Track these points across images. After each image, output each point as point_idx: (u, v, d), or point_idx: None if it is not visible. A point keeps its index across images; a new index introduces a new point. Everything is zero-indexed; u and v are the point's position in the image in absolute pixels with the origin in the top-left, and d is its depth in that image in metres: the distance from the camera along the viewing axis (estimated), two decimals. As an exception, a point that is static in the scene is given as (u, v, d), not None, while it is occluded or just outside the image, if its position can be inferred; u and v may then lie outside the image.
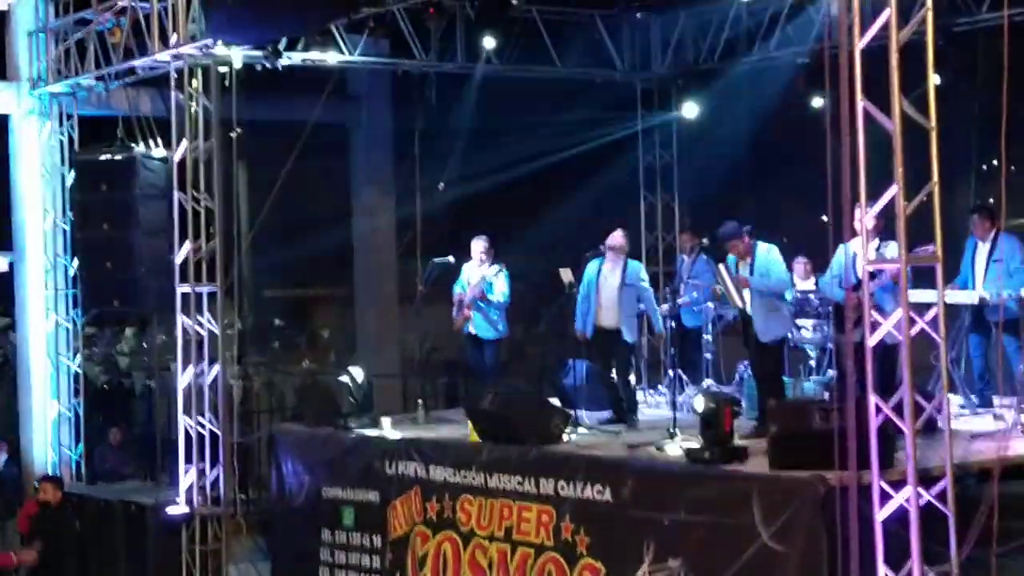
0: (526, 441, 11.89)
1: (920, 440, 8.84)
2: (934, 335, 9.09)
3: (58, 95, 17.49)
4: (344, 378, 15.11)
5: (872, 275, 9.34)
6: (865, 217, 9.25)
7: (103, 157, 16.63)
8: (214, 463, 14.86)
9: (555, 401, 12.62)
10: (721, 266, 12.49)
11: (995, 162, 9.82)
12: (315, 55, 15.76)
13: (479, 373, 14.12)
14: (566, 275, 13.69)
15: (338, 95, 18.39)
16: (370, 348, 19.91)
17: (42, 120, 17.74)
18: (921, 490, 8.67)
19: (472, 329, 13.97)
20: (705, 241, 14.16)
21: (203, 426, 14.86)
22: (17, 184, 18.07)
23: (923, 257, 9.12)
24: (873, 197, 8.93)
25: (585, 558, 10.92)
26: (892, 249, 9.35)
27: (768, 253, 12.23)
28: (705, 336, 14.67)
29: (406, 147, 18.77)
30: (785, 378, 12.65)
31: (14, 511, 14.89)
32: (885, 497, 8.74)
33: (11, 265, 18.26)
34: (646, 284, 13.75)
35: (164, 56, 14.84)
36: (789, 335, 12.68)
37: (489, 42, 15.23)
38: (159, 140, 15.99)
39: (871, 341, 8.94)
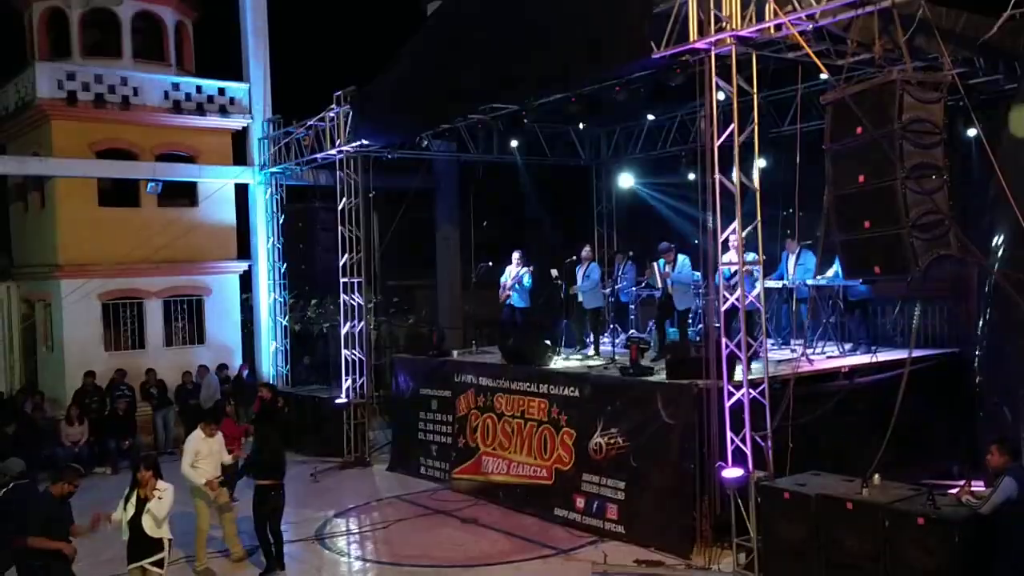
0: (532, 363, 11.88)
1: (751, 363, 8.81)
2: (758, 304, 9.04)
3: (275, 173, 17.47)
4: (431, 329, 15.16)
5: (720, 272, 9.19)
6: (719, 240, 9.14)
7: (300, 207, 16.65)
8: (361, 375, 14.91)
9: (548, 341, 12.55)
10: (655, 264, 12.40)
11: (791, 210, 9.64)
12: (413, 152, 15.70)
13: (509, 326, 13.97)
14: (554, 272, 13.59)
15: (427, 172, 18.35)
16: (444, 314, 19.88)
17: (265, 188, 17.74)
18: (750, 390, 8.63)
19: (511, 302, 13.81)
20: (631, 253, 14.08)
21: (355, 355, 14.90)
22: (254, 223, 18.06)
23: (750, 262, 9.05)
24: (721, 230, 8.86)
25: (565, 428, 10.92)
26: (730, 256, 9.23)
27: (684, 260, 12.12)
28: (631, 307, 14.52)
29: (465, 201, 18.75)
30: (671, 328, 12.48)
31: (252, 402, 14.93)
32: (730, 395, 8.69)
33: (250, 267, 18.30)
34: (599, 277, 13.69)
35: (332, 151, 14.87)
36: (693, 305, 12.57)
37: (513, 143, 15.04)
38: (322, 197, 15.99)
39: (723, 308, 8.90)
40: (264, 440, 9.58)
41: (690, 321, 12.45)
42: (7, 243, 18.94)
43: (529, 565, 9.45)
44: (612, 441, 10.06)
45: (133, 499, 7.48)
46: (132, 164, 17.07)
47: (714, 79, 8.57)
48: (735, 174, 8.47)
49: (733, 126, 8.44)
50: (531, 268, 13.66)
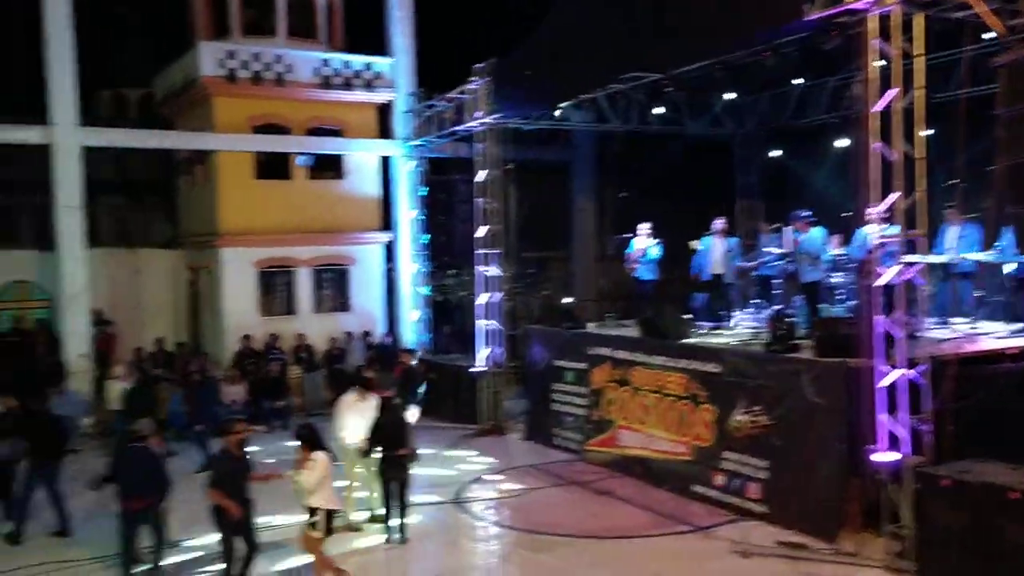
0: (669, 337, 11.62)
1: (907, 341, 8.27)
2: (918, 280, 8.45)
3: (417, 147, 17.78)
4: (565, 301, 15.10)
5: (880, 246, 8.65)
6: (873, 212, 8.59)
7: (442, 179, 16.90)
8: (497, 345, 15.04)
9: (687, 315, 12.23)
10: (786, 230, 11.90)
11: (950, 181, 8.94)
12: (552, 122, 15.58)
13: (642, 299, 13.78)
14: (694, 244, 13.23)
15: (566, 142, 18.18)
16: (579, 286, 19.79)
17: (408, 160, 18.10)
18: (907, 371, 8.11)
19: (638, 274, 13.66)
20: (777, 225, 13.47)
21: (492, 325, 15.03)
22: (396, 195, 18.48)
23: (912, 234, 8.45)
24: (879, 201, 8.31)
25: (704, 404, 10.63)
26: (893, 230, 8.67)
27: (814, 231, 11.56)
28: (775, 280, 13.93)
29: (602, 173, 18.49)
30: (823, 305, 11.90)
31: (394, 368, 15.34)
32: (884, 375, 8.19)
33: (393, 238, 18.76)
34: (737, 249, 13.23)
35: (472, 123, 14.96)
36: (820, 279, 11.97)
37: (654, 111, 14.63)
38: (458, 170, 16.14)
39: (877, 284, 8.37)
40: (385, 409, 9.64)
41: (842, 296, 11.83)
42: (174, 214, 20.18)
43: (665, 541, 9.30)
44: (754, 419, 9.72)
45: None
46: (286, 138, 17.80)
47: (874, 41, 8.01)
48: (895, 142, 7.91)
49: (894, 91, 7.88)
50: (660, 240, 13.37)
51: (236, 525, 7.69)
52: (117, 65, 20.71)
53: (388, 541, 9.40)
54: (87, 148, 15.88)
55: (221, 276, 17.62)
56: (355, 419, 9.74)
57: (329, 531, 7.90)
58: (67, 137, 15.50)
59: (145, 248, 19.34)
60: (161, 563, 8.33)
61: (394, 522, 9.44)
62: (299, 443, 7.89)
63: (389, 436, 9.36)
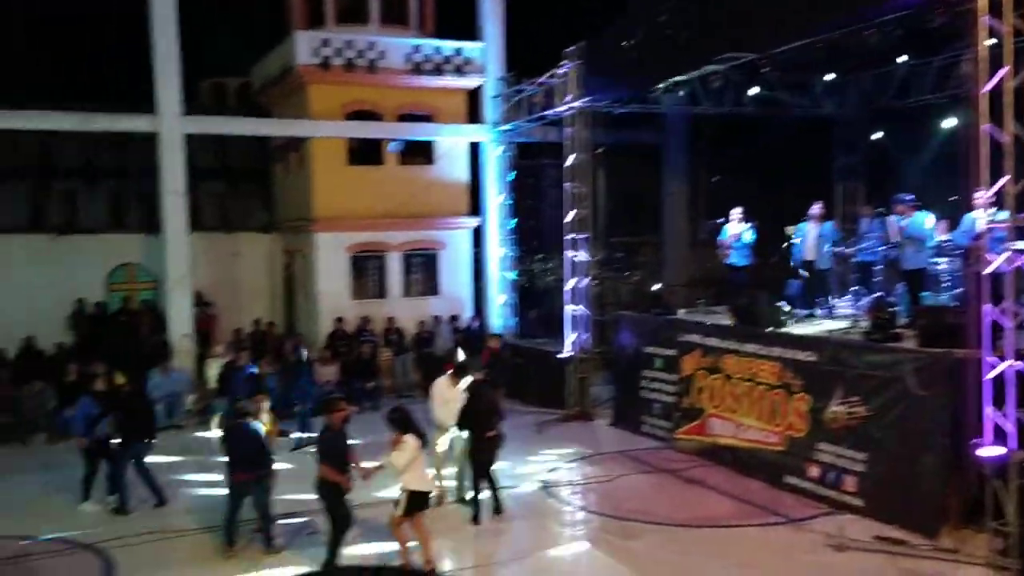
0: (763, 325, 11.39)
1: (1016, 332, 7.90)
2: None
3: (506, 131, 17.88)
4: (655, 287, 14.98)
5: (988, 231, 8.28)
6: (982, 197, 8.22)
7: (530, 163, 16.96)
8: (585, 331, 15.03)
9: (781, 303, 11.98)
10: (889, 218, 11.49)
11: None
12: (643, 105, 15.40)
13: (734, 285, 13.55)
14: (789, 230, 12.91)
15: (657, 125, 17.96)
16: (669, 271, 19.57)
17: (497, 145, 18.23)
18: (1016, 362, 7.76)
19: (731, 260, 13.43)
20: (879, 210, 12.99)
21: (579, 310, 15.02)
22: (485, 180, 18.65)
23: (1023, 219, 8.05)
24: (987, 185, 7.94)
25: (798, 393, 10.40)
26: (1003, 215, 8.29)
27: (918, 215, 11.13)
28: (876, 266, 13.44)
29: (695, 156, 18.21)
30: (926, 292, 11.47)
31: (481, 352, 15.53)
32: (991, 366, 7.86)
33: (482, 222, 18.94)
34: (831, 234, 12.84)
35: (561, 107, 14.94)
36: (924, 266, 11.53)
37: (750, 93, 14.25)
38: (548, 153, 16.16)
39: (985, 271, 8.02)
40: (474, 394, 9.79)
41: (947, 284, 11.37)
42: (271, 200, 20.85)
43: (756, 531, 9.18)
44: (852, 409, 9.47)
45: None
46: (378, 124, 18.15)
47: (984, 18, 7.65)
48: (1006, 123, 7.54)
49: (1004, 70, 7.52)
50: (753, 225, 13.07)
51: (340, 499, 7.99)
52: (217, 55, 21.45)
53: (476, 521, 9.54)
54: (189, 136, 16.53)
55: (315, 260, 18.13)
56: (447, 401, 9.92)
57: (419, 511, 8.10)
58: (171, 125, 16.17)
59: (243, 232, 20.05)
60: (265, 533, 8.76)
61: (483, 502, 9.60)
62: (391, 426, 8.10)
63: (480, 419, 9.51)
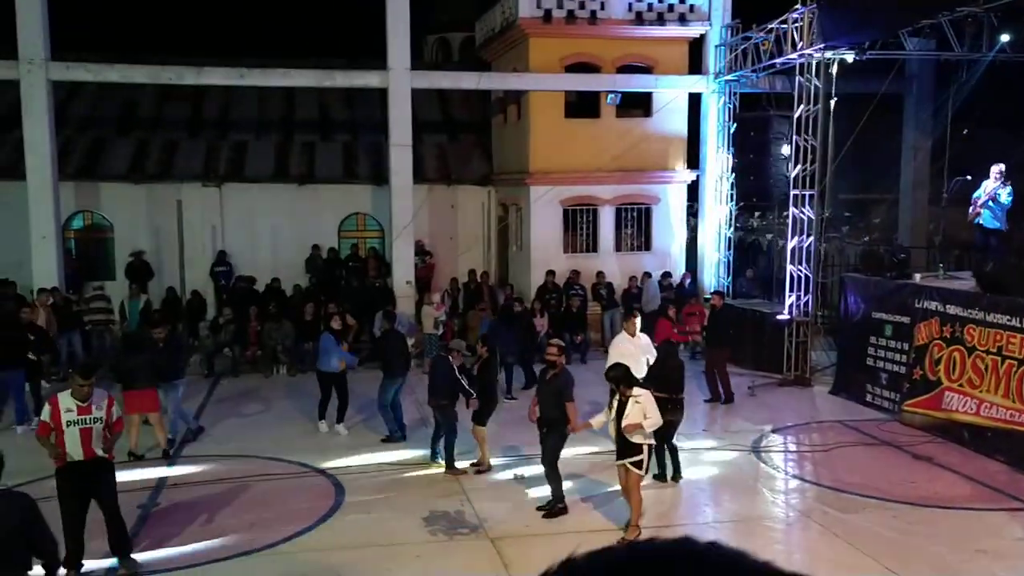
0: (1014, 293, 10.39)
1: None
2: None
3: (729, 81, 17.33)
4: (889, 247, 14.04)
5: None
6: None
7: (752, 116, 16.37)
8: (806, 293, 14.49)
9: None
10: None
11: None
12: (885, 51, 14.35)
13: (983, 250, 12.40)
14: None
15: (897, 74, 16.61)
16: (905, 232, 18.26)
17: (719, 96, 17.71)
18: None
19: (981, 220, 12.27)
20: None
21: (800, 271, 14.47)
22: (704, 132, 18.23)
23: None
24: None
25: (1053, 371, 9.46)
26: None
27: None
28: None
29: (941, 107, 16.67)
30: None
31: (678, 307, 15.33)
32: None
33: (698, 177, 18.56)
34: None
35: (793, 55, 14.25)
36: None
37: (1004, 37, 12.91)
38: (784, 105, 15.45)
39: None
40: (667, 354, 9.68)
41: None
42: (489, 153, 21.53)
43: (994, 516, 8.53)
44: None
45: (615, 402, 8.04)
46: (596, 76, 18.16)
47: None
48: None
49: None
50: (1009, 183, 11.83)
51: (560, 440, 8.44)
52: (443, 11, 22.27)
53: (661, 479, 9.45)
54: (414, 90, 17.35)
55: (529, 213, 18.58)
56: (627, 355, 9.77)
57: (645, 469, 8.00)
58: (400, 80, 17.03)
59: (462, 185, 20.89)
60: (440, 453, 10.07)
61: (662, 466, 9.51)
62: (615, 384, 8.03)
63: (666, 380, 9.38)
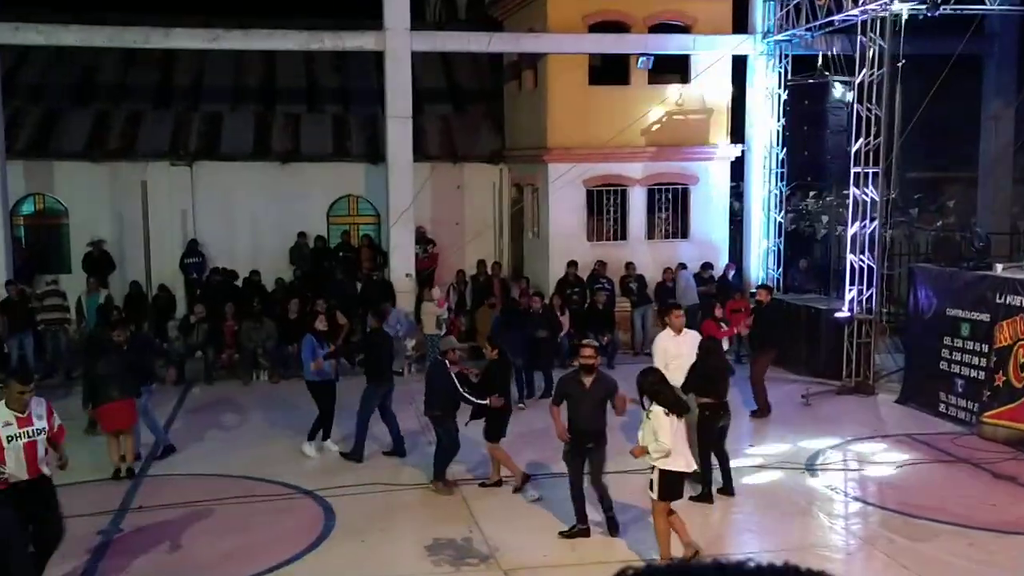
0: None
1: None
2: None
3: (780, 42, 17.29)
4: (967, 234, 13.98)
5: None
6: None
7: (807, 82, 16.35)
8: (869, 286, 14.45)
9: None
10: None
11: None
12: (961, 7, 14.22)
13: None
14: None
15: (978, 31, 16.47)
16: (986, 215, 18.13)
17: (768, 58, 17.66)
18: None
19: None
20: None
21: (863, 261, 14.43)
22: (751, 101, 18.17)
23: None
24: None
25: None
26: None
27: None
28: None
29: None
30: None
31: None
32: None
33: (743, 152, 18.49)
34: None
35: (854, 12, 14.23)
36: None
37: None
38: (843, 69, 15.39)
39: None
40: (707, 352, 9.63)
41: None
42: (501, 125, 21.49)
43: (1091, 546, 8.46)
44: None
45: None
46: (624, 37, 18.10)
47: None
48: None
49: None
50: None
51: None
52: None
53: (705, 499, 9.44)
54: (415, 55, 17.34)
55: (548, 194, 18.55)
56: (673, 355, 9.80)
57: (675, 496, 7.99)
58: (399, 42, 17.04)
59: (469, 163, 20.88)
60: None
61: (705, 483, 9.49)
62: (640, 392, 8.09)
63: (709, 382, 9.42)
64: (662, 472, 7.87)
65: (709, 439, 9.52)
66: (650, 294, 17.82)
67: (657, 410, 7.86)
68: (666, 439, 7.74)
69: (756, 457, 11.20)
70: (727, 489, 9.69)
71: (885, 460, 11.15)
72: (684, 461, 8.00)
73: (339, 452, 11.27)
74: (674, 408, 7.92)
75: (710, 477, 9.58)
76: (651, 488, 7.96)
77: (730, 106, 18.64)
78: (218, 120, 20.55)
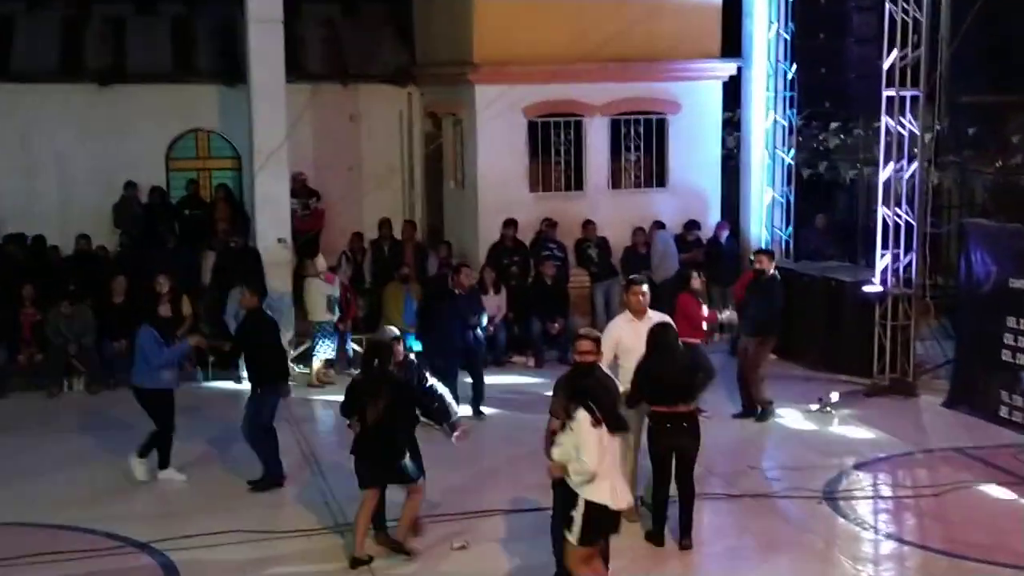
0: None
1: None
2: None
3: (787, -81, 17.48)
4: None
5: None
6: None
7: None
8: (907, 250, 14.72)
9: None
10: None
11: None
12: None
13: None
14: None
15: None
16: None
17: (770, -58, 17.84)
18: None
19: None
20: None
21: (899, 216, 14.69)
22: (748, 3, 18.33)
23: None
24: None
25: None
26: None
27: None
28: None
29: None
30: None
31: (733, 279, 15.39)
32: None
33: (739, 70, 18.64)
34: None
35: None
36: None
37: None
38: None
39: None
40: (657, 344, 9.49)
41: None
42: (409, 33, 21.34)
43: None
44: None
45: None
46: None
47: None
48: None
49: None
50: None
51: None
52: None
53: (652, 539, 9.59)
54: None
55: (475, 128, 18.51)
56: (627, 348, 9.83)
57: (601, 536, 8.02)
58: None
59: (366, 84, 20.73)
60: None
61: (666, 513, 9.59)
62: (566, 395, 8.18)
63: (668, 384, 9.37)
64: (587, 505, 7.78)
65: (664, 461, 9.49)
66: (616, 264, 17.95)
67: (582, 417, 7.74)
68: (590, 459, 7.66)
69: (759, 480, 11.41)
70: (685, 541, 9.54)
71: (927, 483, 11.38)
72: (610, 492, 7.84)
73: (247, 484, 11.20)
74: (607, 419, 7.82)
75: (664, 512, 9.59)
76: (568, 527, 7.87)
77: (722, 7, 18.79)
78: (8, 26, 20.13)
